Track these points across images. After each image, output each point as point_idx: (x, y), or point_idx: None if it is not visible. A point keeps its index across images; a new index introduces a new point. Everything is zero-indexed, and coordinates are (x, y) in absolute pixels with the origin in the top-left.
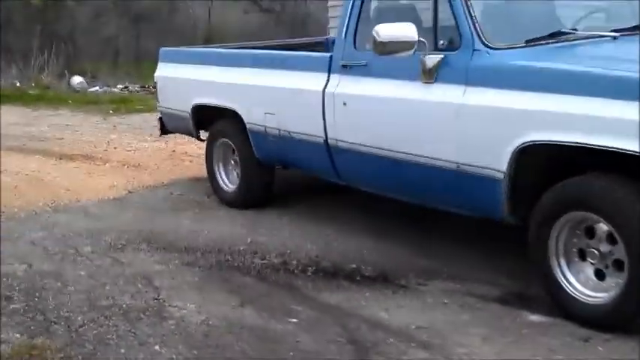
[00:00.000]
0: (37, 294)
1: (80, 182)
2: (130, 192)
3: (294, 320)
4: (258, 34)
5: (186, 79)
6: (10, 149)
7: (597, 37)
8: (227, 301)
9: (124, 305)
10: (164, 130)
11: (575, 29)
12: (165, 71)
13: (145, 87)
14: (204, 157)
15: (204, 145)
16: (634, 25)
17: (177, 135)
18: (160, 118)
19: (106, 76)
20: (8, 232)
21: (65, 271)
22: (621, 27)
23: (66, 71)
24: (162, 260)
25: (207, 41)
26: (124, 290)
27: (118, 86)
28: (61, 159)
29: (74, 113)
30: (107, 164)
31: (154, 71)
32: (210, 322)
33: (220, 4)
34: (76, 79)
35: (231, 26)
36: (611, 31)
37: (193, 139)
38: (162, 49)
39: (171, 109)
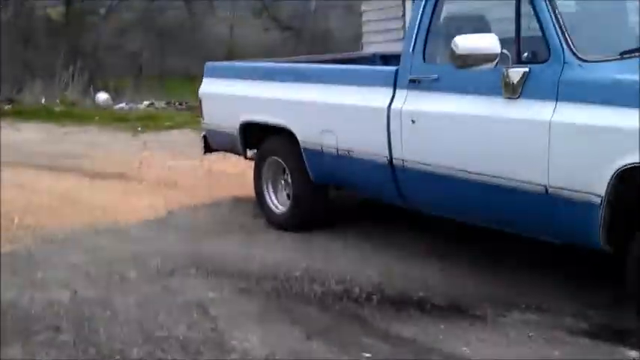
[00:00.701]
0: (86, 324)
1: (117, 202)
2: (170, 212)
3: (368, 355)
4: (279, 51)
5: (234, 94)
6: (41, 167)
7: None
8: (291, 333)
9: (181, 337)
10: (208, 148)
11: None
12: (211, 87)
13: (170, 103)
14: (242, 176)
15: (241, 163)
16: None
17: (214, 153)
18: (204, 136)
19: (130, 92)
20: (47, 256)
21: (113, 298)
22: None
23: (91, 88)
24: (215, 287)
25: (229, 58)
26: (179, 320)
27: (145, 102)
28: (94, 178)
29: (102, 130)
30: (142, 183)
31: (177, 88)
32: (277, 357)
33: (241, 21)
34: (102, 96)
35: (252, 43)
36: None
37: (229, 157)
38: (209, 64)
39: (218, 126)
